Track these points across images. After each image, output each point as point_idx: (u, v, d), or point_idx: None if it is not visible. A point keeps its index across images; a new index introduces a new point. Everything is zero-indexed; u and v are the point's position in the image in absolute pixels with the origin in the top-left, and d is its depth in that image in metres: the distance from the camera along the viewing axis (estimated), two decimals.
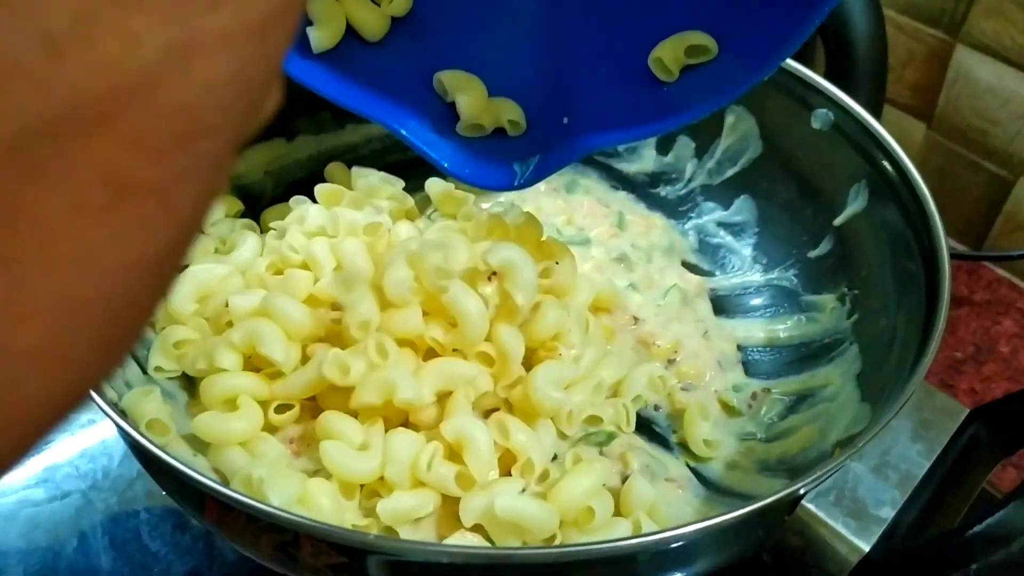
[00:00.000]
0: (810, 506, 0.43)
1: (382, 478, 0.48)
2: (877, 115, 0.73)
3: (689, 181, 0.68)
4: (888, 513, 0.43)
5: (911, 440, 0.45)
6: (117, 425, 0.41)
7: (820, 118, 0.60)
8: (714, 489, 0.54)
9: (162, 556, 0.59)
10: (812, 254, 0.62)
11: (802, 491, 0.42)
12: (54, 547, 0.60)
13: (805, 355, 0.59)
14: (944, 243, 0.50)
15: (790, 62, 0.61)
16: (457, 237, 0.54)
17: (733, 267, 0.66)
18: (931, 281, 0.50)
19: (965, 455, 0.44)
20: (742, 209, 0.66)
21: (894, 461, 0.44)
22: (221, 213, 0.61)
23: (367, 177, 0.63)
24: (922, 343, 0.46)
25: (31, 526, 0.60)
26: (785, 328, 0.61)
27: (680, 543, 0.40)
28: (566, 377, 0.51)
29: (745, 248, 0.66)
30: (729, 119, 0.65)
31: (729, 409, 0.58)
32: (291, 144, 0.66)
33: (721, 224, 0.67)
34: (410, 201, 0.63)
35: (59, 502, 0.62)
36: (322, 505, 0.47)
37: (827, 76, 0.73)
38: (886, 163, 0.56)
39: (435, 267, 0.49)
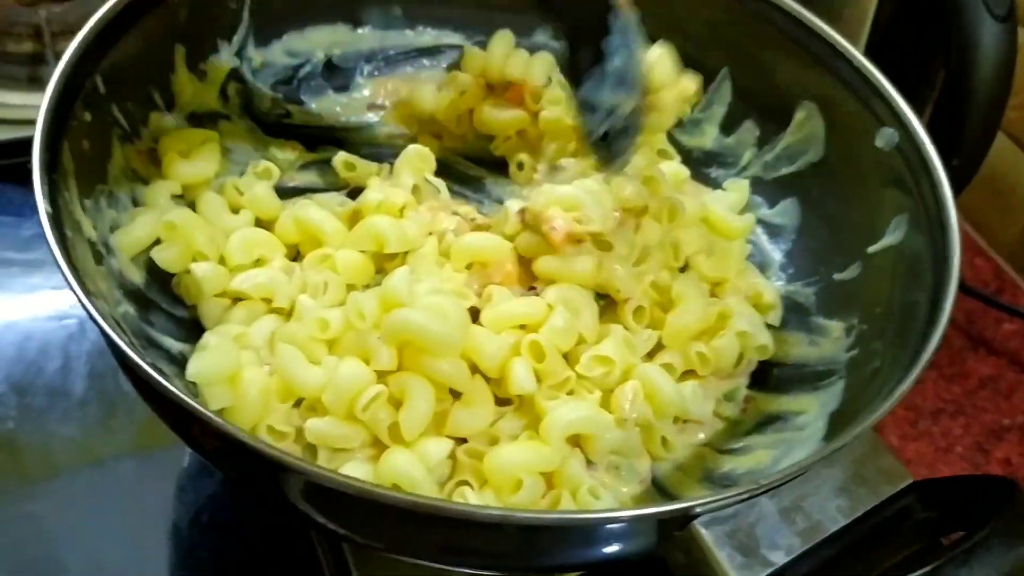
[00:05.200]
0: (702, 529, 0.41)
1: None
2: (982, 152, 0.69)
3: (743, 169, 0.65)
4: (780, 558, 0.40)
5: (835, 493, 0.42)
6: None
7: (885, 137, 0.56)
8: (657, 487, 0.52)
9: (131, 399, 0.61)
10: (837, 276, 0.59)
11: (697, 510, 0.40)
12: (39, 362, 0.63)
13: (795, 377, 0.56)
14: (954, 282, 0.46)
15: (874, 70, 0.57)
16: None
17: (760, 268, 0.63)
18: (930, 318, 0.46)
19: (888, 525, 0.41)
20: (786, 212, 0.63)
21: (808, 508, 0.42)
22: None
23: None
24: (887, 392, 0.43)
25: (25, 337, 0.64)
26: (790, 344, 0.58)
27: (546, 526, 0.39)
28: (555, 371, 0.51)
29: (776, 252, 0.63)
30: (799, 115, 0.62)
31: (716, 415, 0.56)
32: (354, 33, 0.65)
33: (761, 221, 0.64)
34: None
35: (56, 322, 0.65)
36: (249, 394, 0.48)
37: (939, 100, 0.69)
38: (930, 198, 0.52)
39: None
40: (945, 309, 0.45)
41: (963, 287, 0.83)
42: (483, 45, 0.67)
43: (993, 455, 0.75)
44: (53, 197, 0.44)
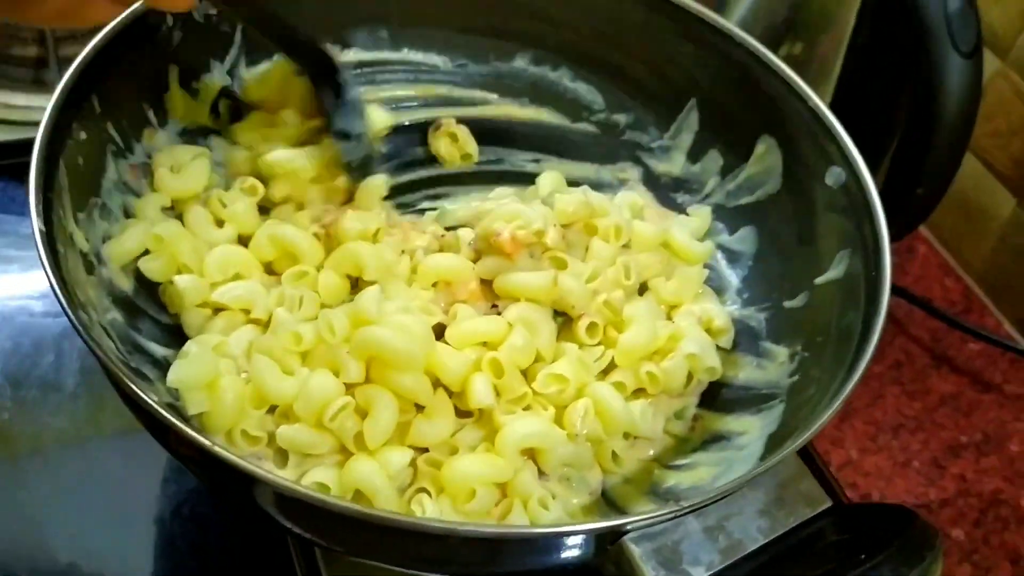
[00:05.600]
0: (631, 544, 0.44)
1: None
2: (945, 183, 0.72)
3: (707, 196, 0.68)
4: (700, 574, 0.44)
5: (758, 513, 0.46)
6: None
7: (834, 175, 0.59)
8: (606, 499, 0.56)
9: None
10: (787, 304, 0.62)
11: (627, 528, 0.44)
12: (33, 356, 0.66)
13: (742, 398, 0.59)
14: (878, 330, 0.49)
15: (826, 112, 0.60)
16: None
17: (717, 291, 0.66)
18: (862, 342, 0.50)
19: (802, 547, 0.45)
20: (745, 239, 0.66)
21: (730, 528, 0.45)
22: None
23: None
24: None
25: (21, 332, 0.67)
26: (739, 366, 0.61)
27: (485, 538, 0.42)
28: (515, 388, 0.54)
29: (733, 277, 0.66)
30: (760, 148, 0.65)
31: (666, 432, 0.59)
32: (341, 53, 0.68)
33: (721, 247, 0.67)
34: None
35: (51, 319, 0.68)
36: (225, 401, 0.51)
37: (905, 130, 0.72)
38: (870, 238, 0.55)
39: None
40: (867, 352, 0.48)
41: (929, 307, 0.86)
42: (464, 68, 0.71)
43: (948, 471, 0.78)
44: (47, 215, 0.48)
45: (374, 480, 0.50)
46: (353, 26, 0.69)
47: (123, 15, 0.54)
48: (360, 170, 0.63)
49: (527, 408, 0.55)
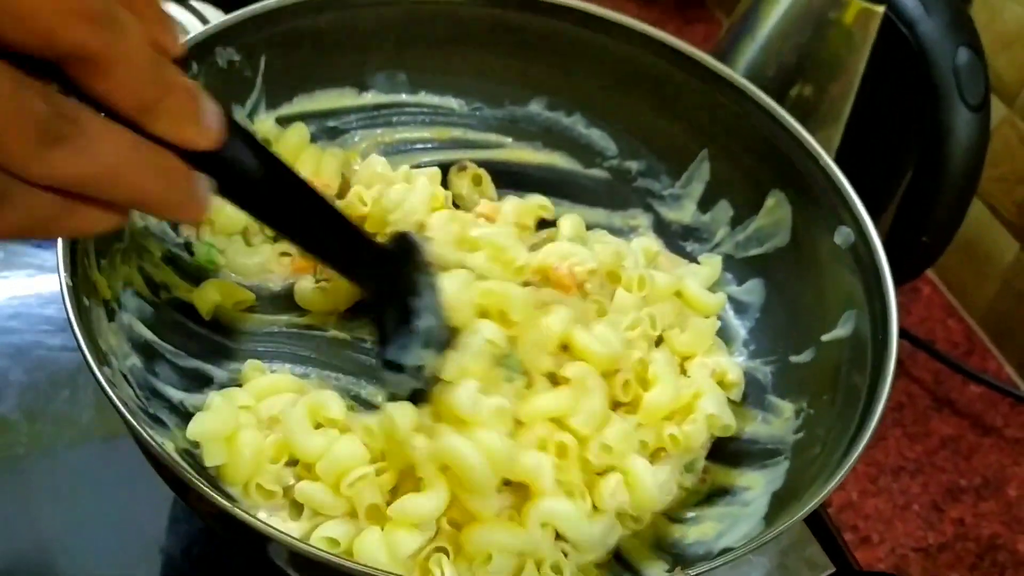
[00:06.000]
0: None
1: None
2: (951, 233, 0.73)
3: (716, 246, 0.69)
4: None
5: None
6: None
7: (842, 235, 0.60)
8: (615, 555, 0.56)
9: None
10: (793, 359, 0.63)
11: None
12: (49, 391, 0.67)
13: (747, 452, 0.60)
14: (885, 396, 0.50)
15: (836, 171, 0.61)
16: None
17: (724, 341, 0.66)
18: (867, 405, 0.51)
19: None
20: (753, 290, 0.67)
21: None
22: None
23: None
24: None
25: (37, 366, 0.68)
26: (746, 419, 0.62)
27: None
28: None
29: (741, 328, 0.67)
30: (770, 201, 0.66)
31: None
32: (360, 96, 0.70)
33: (729, 297, 0.68)
34: None
35: (68, 353, 0.69)
36: (243, 454, 0.52)
37: (912, 179, 0.73)
38: (877, 302, 0.56)
39: None
40: (873, 417, 0.49)
41: (932, 349, 0.87)
42: (480, 111, 0.73)
43: (948, 514, 0.79)
44: (74, 268, 0.49)
45: (378, 558, 0.49)
46: (372, 70, 0.70)
47: None
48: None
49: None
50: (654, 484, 0.54)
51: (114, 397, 0.44)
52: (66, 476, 0.64)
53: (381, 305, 0.53)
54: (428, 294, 0.53)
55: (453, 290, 0.54)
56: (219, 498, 0.42)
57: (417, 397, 0.52)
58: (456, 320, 0.54)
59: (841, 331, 0.59)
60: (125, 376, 0.52)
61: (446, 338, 0.53)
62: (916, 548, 0.77)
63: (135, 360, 0.55)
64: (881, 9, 0.70)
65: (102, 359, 0.46)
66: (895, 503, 0.79)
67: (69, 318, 0.45)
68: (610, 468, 0.54)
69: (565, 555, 0.53)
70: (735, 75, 0.66)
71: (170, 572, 0.61)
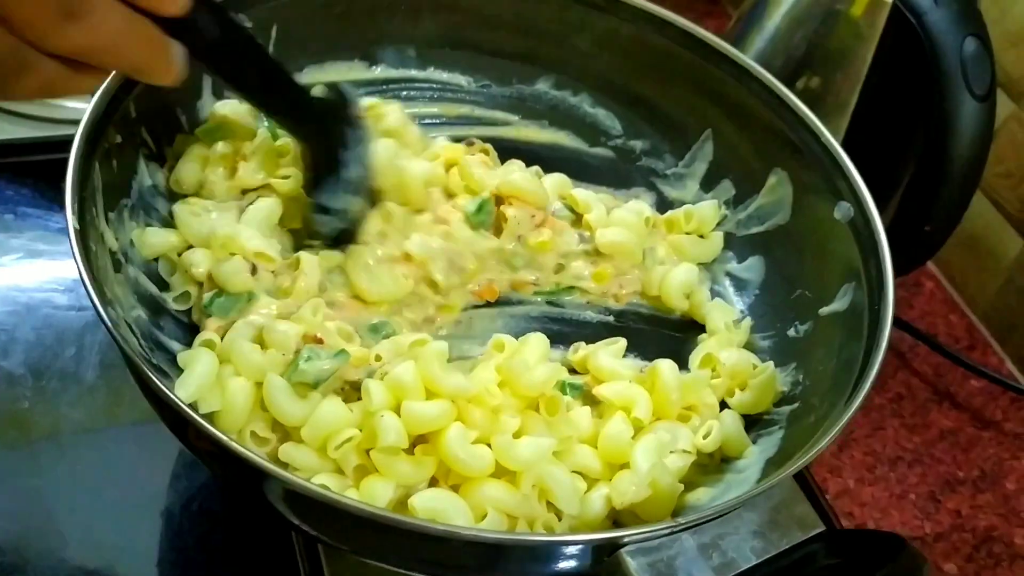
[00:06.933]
0: (628, 557, 0.45)
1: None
2: (954, 222, 0.73)
3: (718, 224, 0.70)
4: None
5: (752, 534, 0.47)
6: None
7: (842, 210, 0.61)
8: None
9: (137, 389, 0.67)
10: (789, 333, 0.63)
11: (624, 540, 0.45)
12: (55, 348, 0.68)
13: (746, 423, 0.61)
14: (877, 366, 0.51)
15: (838, 148, 0.62)
16: None
17: None
18: (861, 374, 0.51)
19: (794, 569, 0.46)
20: (752, 268, 0.68)
21: (725, 546, 0.46)
22: None
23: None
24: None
25: (44, 324, 0.69)
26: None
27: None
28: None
29: (739, 304, 0.67)
30: (771, 179, 0.67)
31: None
32: (369, 70, 0.71)
33: (729, 274, 0.69)
34: None
35: (74, 312, 0.70)
36: (237, 403, 0.52)
37: (917, 168, 0.73)
38: (874, 274, 0.56)
39: None
40: (866, 382, 0.50)
41: (933, 342, 0.87)
42: (488, 89, 0.73)
43: (944, 505, 0.79)
44: (82, 213, 0.50)
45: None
46: (381, 45, 0.71)
47: None
48: (331, 242, 0.59)
49: None
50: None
51: (116, 334, 0.44)
52: (68, 431, 0.64)
53: (317, 155, 0.58)
54: (357, 147, 0.58)
55: (382, 154, 0.59)
56: (217, 432, 0.42)
57: (342, 238, 0.58)
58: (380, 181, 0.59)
59: (838, 305, 0.60)
60: (130, 326, 0.53)
61: (370, 189, 0.59)
62: (912, 537, 0.77)
63: (140, 312, 0.55)
64: (890, 0, 0.70)
65: (107, 302, 0.47)
66: (892, 492, 0.79)
67: (74, 255, 0.46)
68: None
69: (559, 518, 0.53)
70: (740, 55, 0.67)
71: (170, 526, 0.61)
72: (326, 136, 0.58)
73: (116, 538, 0.61)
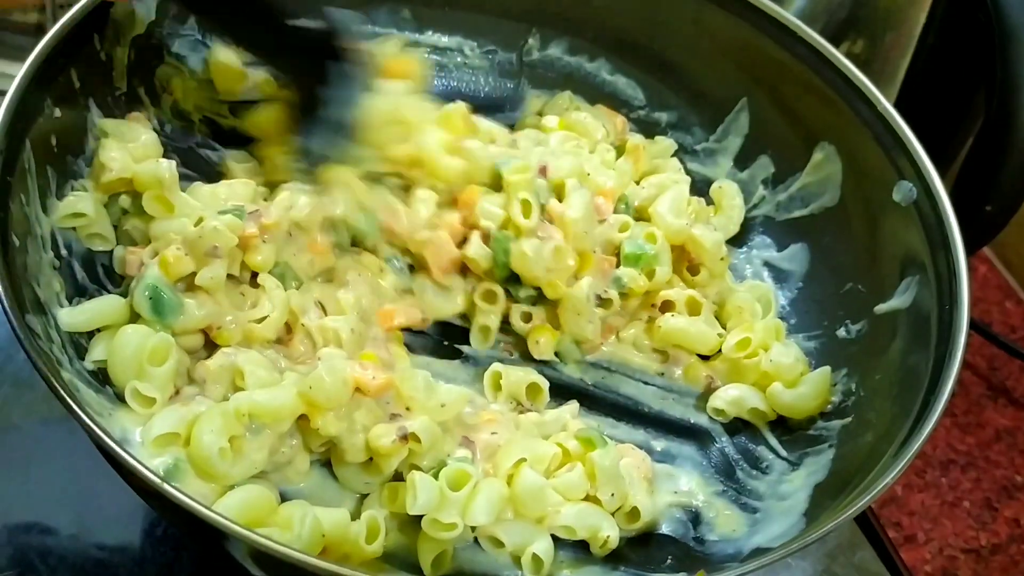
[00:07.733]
0: None
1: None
2: (1018, 200, 0.67)
3: (754, 207, 0.64)
4: None
5: None
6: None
7: (903, 191, 0.55)
8: None
9: None
10: (840, 333, 0.57)
11: None
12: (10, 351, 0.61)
13: (788, 437, 0.55)
14: (957, 367, 0.45)
15: (897, 118, 0.56)
16: None
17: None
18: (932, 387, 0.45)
19: None
20: (795, 257, 0.62)
21: None
22: None
23: None
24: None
25: None
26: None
27: None
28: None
29: (780, 299, 0.61)
30: (818, 155, 0.60)
31: None
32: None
33: (768, 264, 0.63)
34: None
35: None
36: (122, 352, 0.47)
37: (976, 142, 0.66)
38: (943, 265, 0.50)
39: None
40: (939, 402, 0.43)
41: (987, 332, 0.82)
42: (494, 55, 0.68)
43: (1002, 513, 0.74)
44: (4, 200, 0.43)
45: None
46: (373, 3, 0.65)
47: None
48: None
49: None
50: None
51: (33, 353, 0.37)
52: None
53: (299, 90, 0.55)
54: (342, 84, 0.54)
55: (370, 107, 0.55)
56: (177, 494, 0.36)
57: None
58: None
59: (898, 301, 0.53)
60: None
61: (353, 130, 0.55)
62: (966, 549, 0.72)
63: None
64: None
65: (27, 309, 0.41)
66: (943, 499, 0.74)
67: None
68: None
69: None
70: (781, 11, 0.60)
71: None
72: (307, 72, 0.54)
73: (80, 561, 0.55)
